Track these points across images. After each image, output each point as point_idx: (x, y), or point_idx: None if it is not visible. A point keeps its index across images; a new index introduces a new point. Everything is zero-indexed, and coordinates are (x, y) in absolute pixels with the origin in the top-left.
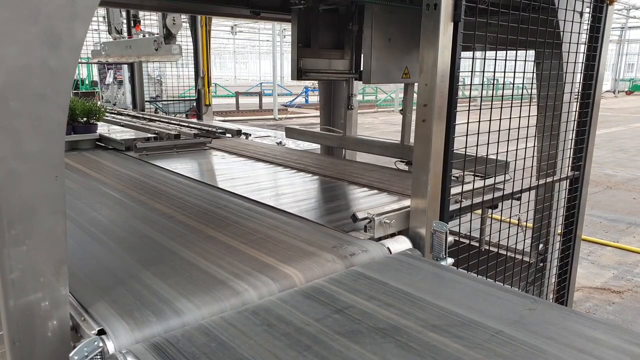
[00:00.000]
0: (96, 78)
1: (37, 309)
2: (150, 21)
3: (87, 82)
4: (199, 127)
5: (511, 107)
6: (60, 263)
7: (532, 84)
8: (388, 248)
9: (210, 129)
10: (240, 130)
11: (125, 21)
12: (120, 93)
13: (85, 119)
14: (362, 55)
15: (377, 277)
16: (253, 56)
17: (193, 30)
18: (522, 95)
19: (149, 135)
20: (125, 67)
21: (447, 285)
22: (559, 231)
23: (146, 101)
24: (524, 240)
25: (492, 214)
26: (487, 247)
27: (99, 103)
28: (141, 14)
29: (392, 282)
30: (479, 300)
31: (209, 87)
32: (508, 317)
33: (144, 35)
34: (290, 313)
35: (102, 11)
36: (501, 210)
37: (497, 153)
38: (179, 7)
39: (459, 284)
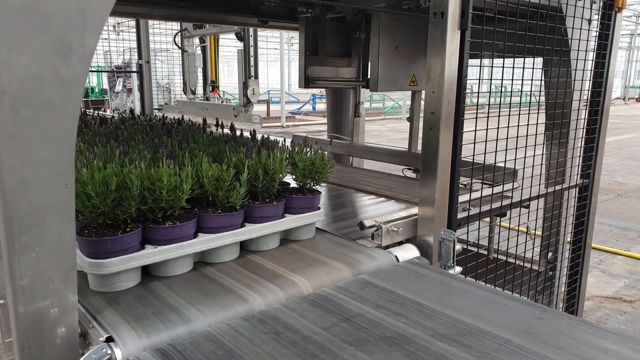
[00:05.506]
0: (106, 86)
1: (46, 315)
2: (159, 30)
3: (96, 90)
4: None
5: (519, 114)
6: (69, 270)
7: (540, 91)
8: (395, 256)
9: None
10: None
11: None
12: (129, 101)
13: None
14: (369, 63)
15: (385, 285)
16: (261, 64)
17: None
18: (530, 102)
19: None
20: (135, 75)
21: (455, 294)
22: (569, 239)
23: (155, 108)
24: (533, 248)
25: (500, 222)
26: (495, 256)
27: (108, 111)
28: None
29: (400, 291)
30: (487, 309)
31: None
32: (517, 326)
33: (221, 102)
34: (298, 321)
35: (111, 20)
36: (510, 219)
37: (505, 161)
38: (188, 16)
39: (467, 293)
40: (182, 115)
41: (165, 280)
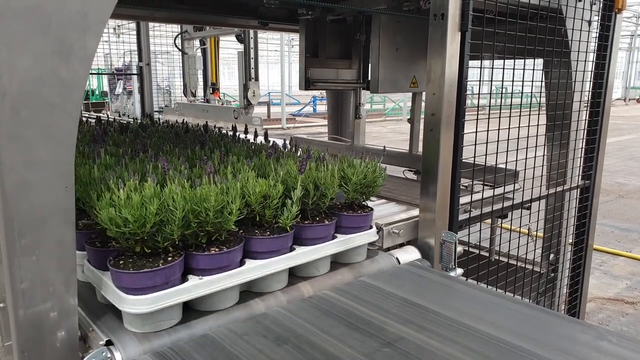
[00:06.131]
0: (106, 88)
1: (46, 318)
2: (160, 32)
3: (97, 92)
4: None
5: (520, 115)
6: (70, 273)
7: (540, 92)
8: (397, 258)
9: None
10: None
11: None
12: (129, 103)
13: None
14: (369, 64)
15: (385, 287)
16: (261, 66)
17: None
18: (530, 103)
19: None
20: (135, 77)
21: (456, 296)
22: (570, 241)
23: (155, 111)
24: (534, 250)
25: (501, 223)
26: (497, 257)
27: (108, 113)
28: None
29: (400, 293)
30: (489, 311)
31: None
32: (521, 330)
33: (222, 104)
34: (298, 324)
35: (112, 22)
36: (511, 220)
37: (506, 162)
38: (188, 18)
39: (468, 295)
40: (206, 122)
41: (210, 318)
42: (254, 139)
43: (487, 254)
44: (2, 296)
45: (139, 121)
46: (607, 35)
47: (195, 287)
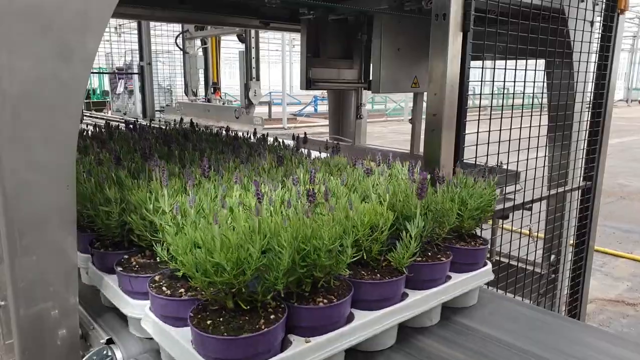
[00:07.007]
0: (107, 88)
1: (47, 317)
2: (161, 31)
3: (98, 91)
4: None
5: (521, 116)
6: (70, 272)
7: (542, 93)
8: None
9: None
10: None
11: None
12: (130, 102)
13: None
14: (371, 64)
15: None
16: (263, 65)
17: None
18: (532, 104)
19: None
20: (136, 76)
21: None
22: (571, 242)
23: (156, 110)
24: (536, 251)
25: (502, 224)
26: (497, 258)
27: (109, 113)
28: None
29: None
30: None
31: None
32: (524, 332)
33: (223, 103)
34: None
35: (113, 22)
36: (512, 221)
37: (507, 163)
38: (189, 17)
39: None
40: (251, 131)
41: None
42: (283, 145)
43: (488, 255)
44: (3, 295)
45: (169, 124)
46: (609, 36)
47: (301, 355)
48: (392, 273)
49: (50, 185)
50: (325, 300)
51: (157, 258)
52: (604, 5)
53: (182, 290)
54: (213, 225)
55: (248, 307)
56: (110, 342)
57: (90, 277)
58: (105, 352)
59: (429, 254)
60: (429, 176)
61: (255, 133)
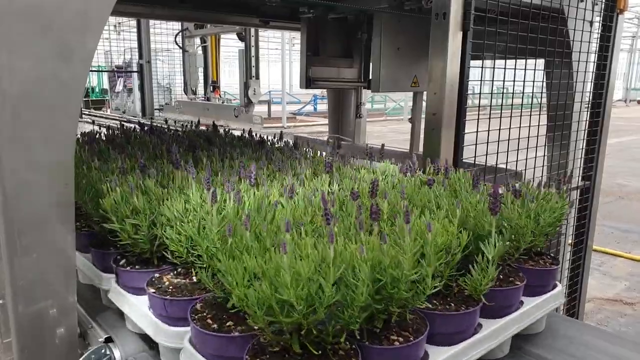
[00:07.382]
0: (106, 86)
1: (45, 316)
2: (160, 29)
3: (97, 90)
4: None
5: (521, 116)
6: (69, 271)
7: (542, 92)
8: None
9: None
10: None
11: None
12: (129, 101)
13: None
14: (370, 63)
15: None
16: (262, 64)
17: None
18: (532, 104)
19: None
20: (135, 75)
21: None
22: (570, 241)
23: (155, 109)
24: None
25: None
26: None
27: (108, 111)
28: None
29: None
30: None
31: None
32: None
33: (222, 102)
34: None
35: (112, 20)
36: None
37: (506, 162)
38: (189, 16)
39: None
40: (263, 134)
41: None
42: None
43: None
44: (2, 293)
45: (186, 125)
46: (608, 36)
47: None
48: (466, 301)
49: (49, 185)
50: (400, 339)
51: (194, 277)
52: (603, 5)
53: (231, 323)
54: (279, 254)
55: (319, 351)
56: (108, 340)
57: (112, 297)
58: (103, 350)
59: (501, 276)
60: (508, 190)
61: (281, 136)
